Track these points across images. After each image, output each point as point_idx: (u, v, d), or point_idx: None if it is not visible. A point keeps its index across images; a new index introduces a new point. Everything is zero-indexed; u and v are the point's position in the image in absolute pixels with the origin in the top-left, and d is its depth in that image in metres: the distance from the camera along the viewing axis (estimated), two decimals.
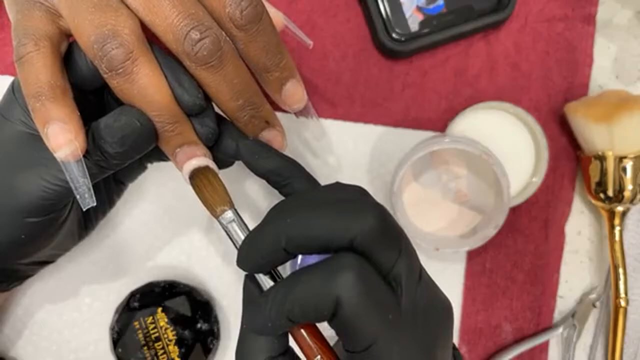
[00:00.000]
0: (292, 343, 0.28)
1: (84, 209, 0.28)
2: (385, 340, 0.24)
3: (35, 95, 0.27)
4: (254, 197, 0.44)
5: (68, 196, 0.30)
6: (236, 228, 0.28)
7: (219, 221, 0.28)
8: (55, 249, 0.35)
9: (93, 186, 0.29)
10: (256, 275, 0.27)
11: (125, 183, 0.39)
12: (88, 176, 0.27)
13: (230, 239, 0.28)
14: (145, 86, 0.27)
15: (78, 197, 0.27)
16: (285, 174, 0.30)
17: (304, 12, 0.43)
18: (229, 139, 0.31)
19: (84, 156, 0.28)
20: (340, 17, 0.44)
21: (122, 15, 0.27)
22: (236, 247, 0.28)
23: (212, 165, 0.30)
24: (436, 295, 0.28)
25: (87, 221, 0.37)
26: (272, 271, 0.27)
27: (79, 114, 0.27)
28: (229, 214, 0.28)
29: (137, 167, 0.38)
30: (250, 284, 0.28)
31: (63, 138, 0.26)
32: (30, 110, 0.27)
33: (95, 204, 0.28)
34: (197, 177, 0.29)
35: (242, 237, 0.28)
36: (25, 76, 0.27)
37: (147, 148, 0.29)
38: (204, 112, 0.30)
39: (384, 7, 0.42)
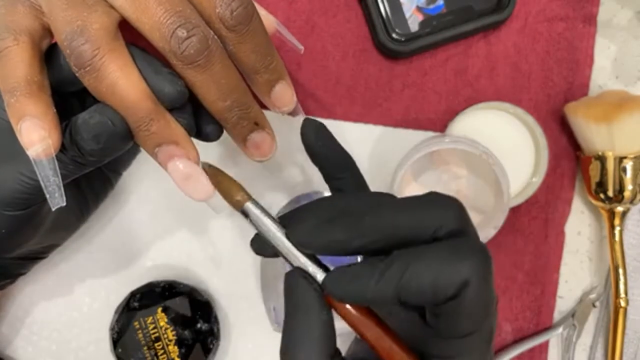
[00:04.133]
0: None
1: (53, 209, 0.27)
2: (483, 329, 0.25)
3: (10, 90, 0.26)
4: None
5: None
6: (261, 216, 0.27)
7: (243, 210, 0.27)
8: (41, 243, 0.35)
9: (84, 177, 0.29)
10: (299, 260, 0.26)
11: (119, 171, 0.38)
12: (59, 175, 0.27)
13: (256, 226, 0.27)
14: (114, 83, 0.27)
15: (48, 196, 0.27)
16: (343, 167, 0.30)
17: (304, 12, 0.43)
18: (207, 125, 0.31)
19: (61, 151, 0.27)
20: (340, 17, 0.44)
21: (95, 12, 0.26)
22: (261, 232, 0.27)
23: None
24: None
25: (79, 213, 0.37)
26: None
27: (54, 111, 0.27)
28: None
29: (129, 155, 0.37)
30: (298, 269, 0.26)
31: (36, 135, 0.26)
32: (5, 106, 0.27)
33: (64, 204, 0.27)
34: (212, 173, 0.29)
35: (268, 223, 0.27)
36: (2, 71, 0.27)
37: (123, 148, 0.28)
38: (181, 108, 0.29)
39: (384, 8, 0.42)
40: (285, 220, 0.27)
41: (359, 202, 0.27)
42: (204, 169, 0.29)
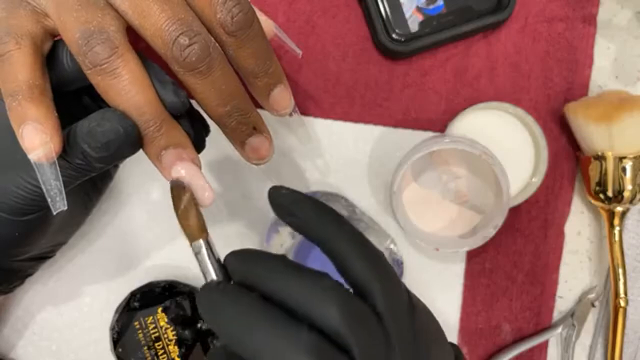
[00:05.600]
0: None
1: (54, 213, 0.27)
2: None
3: (12, 94, 0.26)
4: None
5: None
6: (206, 258, 0.28)
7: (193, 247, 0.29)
8: (49, 243, 0.35)
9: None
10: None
11: (116, 164, 0.38)
12: (60, 179, 0.27)
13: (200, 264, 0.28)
14: (130, 83, 0.27)
15: (49, 200, 0.27)
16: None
17: (304, 13, 0.43)
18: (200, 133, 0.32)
19: (66, 160, 0.27)
20: (340, 17, 0.44)
21: (108, 14, 0.27)
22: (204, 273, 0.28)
23: (198, 175, 0.29)
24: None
25: (83, 208, 0.37)
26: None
27: (56, 115, 0.27)
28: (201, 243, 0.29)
29: None
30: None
31: (38, 139, 0.26)
32: (7, 110, 0.27)
33: (66, 207, 0.27)
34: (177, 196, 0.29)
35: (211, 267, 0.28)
36: (4, 74, 0.27)
37: (132, 153, 0.29)
38: (181, 116, 0.30)
39: (384, 8, 0.42)
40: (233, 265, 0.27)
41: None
42: (171, 187, 0.29)
